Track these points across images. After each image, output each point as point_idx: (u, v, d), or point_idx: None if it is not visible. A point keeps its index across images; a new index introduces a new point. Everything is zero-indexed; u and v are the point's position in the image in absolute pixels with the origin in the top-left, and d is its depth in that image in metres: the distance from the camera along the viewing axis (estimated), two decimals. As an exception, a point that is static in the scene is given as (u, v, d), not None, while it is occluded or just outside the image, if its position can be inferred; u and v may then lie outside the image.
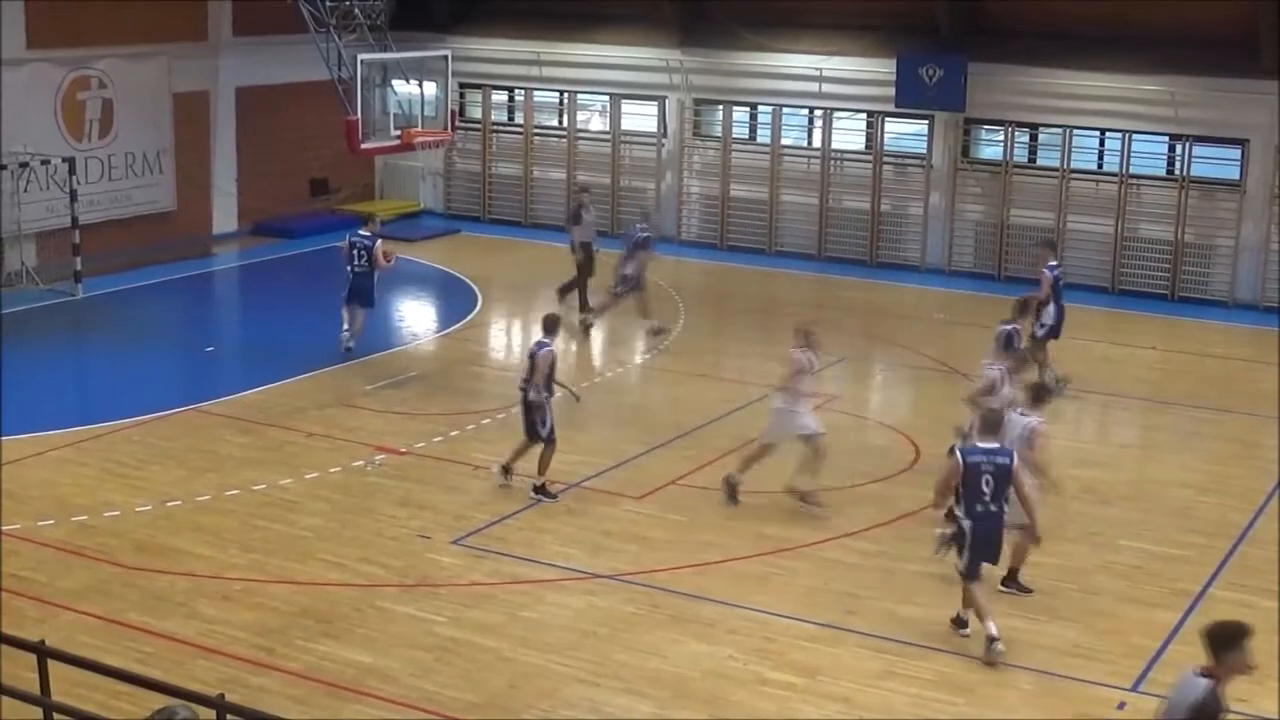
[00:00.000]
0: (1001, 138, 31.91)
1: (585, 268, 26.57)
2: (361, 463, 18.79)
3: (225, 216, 33.38)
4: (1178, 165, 30.29)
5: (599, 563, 15.91)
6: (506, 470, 17.97)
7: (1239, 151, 29.52)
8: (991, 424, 14.38)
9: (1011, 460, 13.97)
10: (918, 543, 16.25)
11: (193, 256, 31.47)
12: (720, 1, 33.61)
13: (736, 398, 21.93)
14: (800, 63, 32.49)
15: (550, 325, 18.11)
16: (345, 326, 23.47)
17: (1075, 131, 30.81)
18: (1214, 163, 30.25)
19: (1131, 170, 30.51)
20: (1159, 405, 22.90)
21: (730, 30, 33.17)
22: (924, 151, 32.29)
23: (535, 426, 17.68)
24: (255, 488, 17.97)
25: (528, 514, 17.30)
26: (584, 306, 26.23)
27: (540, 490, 17.70)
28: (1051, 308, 22.32)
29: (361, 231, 23.70)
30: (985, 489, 13.79)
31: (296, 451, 19.34)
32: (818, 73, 32.23)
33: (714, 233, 33.89)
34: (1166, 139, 30.41)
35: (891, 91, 31.39)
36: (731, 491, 17.57)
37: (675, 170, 34.20)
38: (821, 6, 32.43)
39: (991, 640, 13.76)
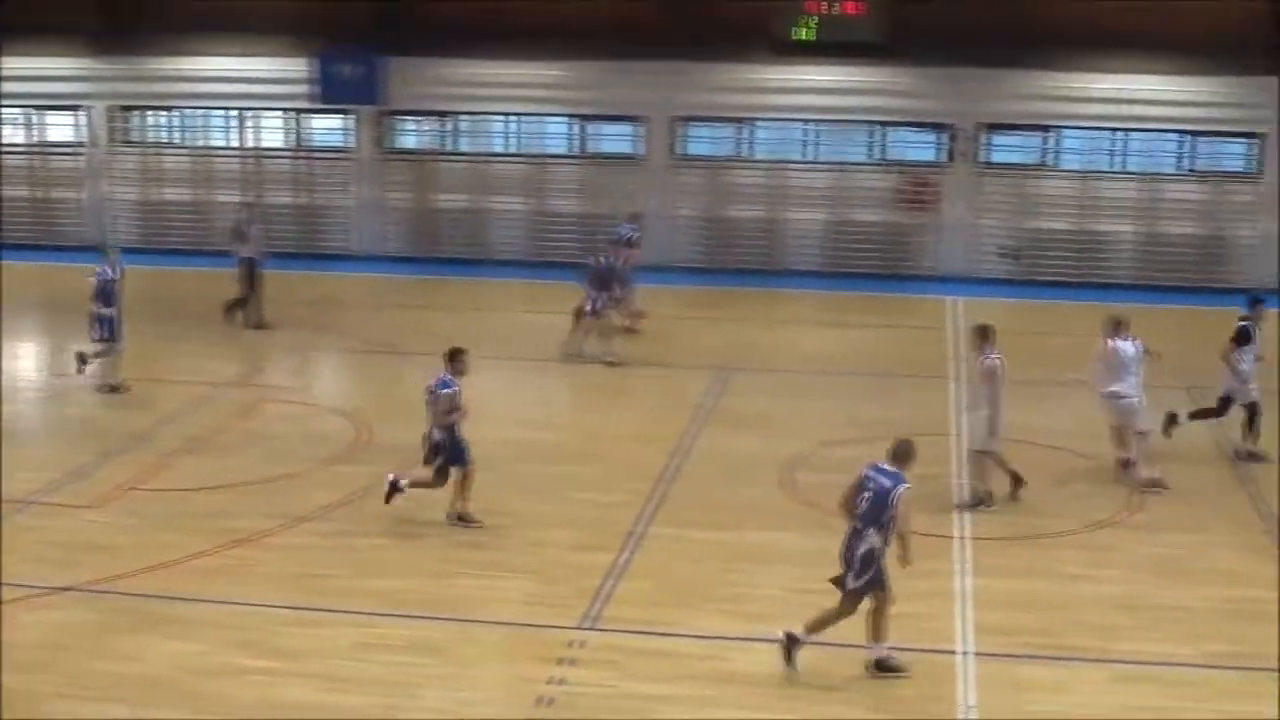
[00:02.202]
0: (423, 127, 33.20)
1: (249, 284, 26.50)
2: None
3: None
4: (579, 143, 33.03)
5: (66, 576, 15.75)
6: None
7: (635, 128, 32.18)
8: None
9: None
10: (376, 518, 17.11)
11: None
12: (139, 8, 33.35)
13: (185, 397, 22.14)
14: (221, 66, 32.66)
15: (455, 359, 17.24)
16: None
17: (490, 118, 32.54)
18: (615, 139, 33.02)
19: (547, 150, 32.75)
20: (593, 366, 24.48)
21: (149, 37, 32.93)
22: (347, 144, 33.18)
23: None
24: None
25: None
26: (256, 323, 26.22)
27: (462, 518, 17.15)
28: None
29: None
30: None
31: None
32: (239, 74, 32.53)
33: (144, 238, 33.69)
34: (567, 120, 32.68)
35: (312, 89, 32.09)
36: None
37: (95, 180, 33.83)
38: (239, 7, 32.68)
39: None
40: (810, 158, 33.16)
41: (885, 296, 30.91)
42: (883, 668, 13.48)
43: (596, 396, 23.21)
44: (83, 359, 22.20)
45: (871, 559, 13.37)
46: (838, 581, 13.59)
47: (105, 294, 22.27)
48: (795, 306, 30.47)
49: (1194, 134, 31.93)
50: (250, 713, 12.77)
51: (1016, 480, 18.30)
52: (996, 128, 32.29)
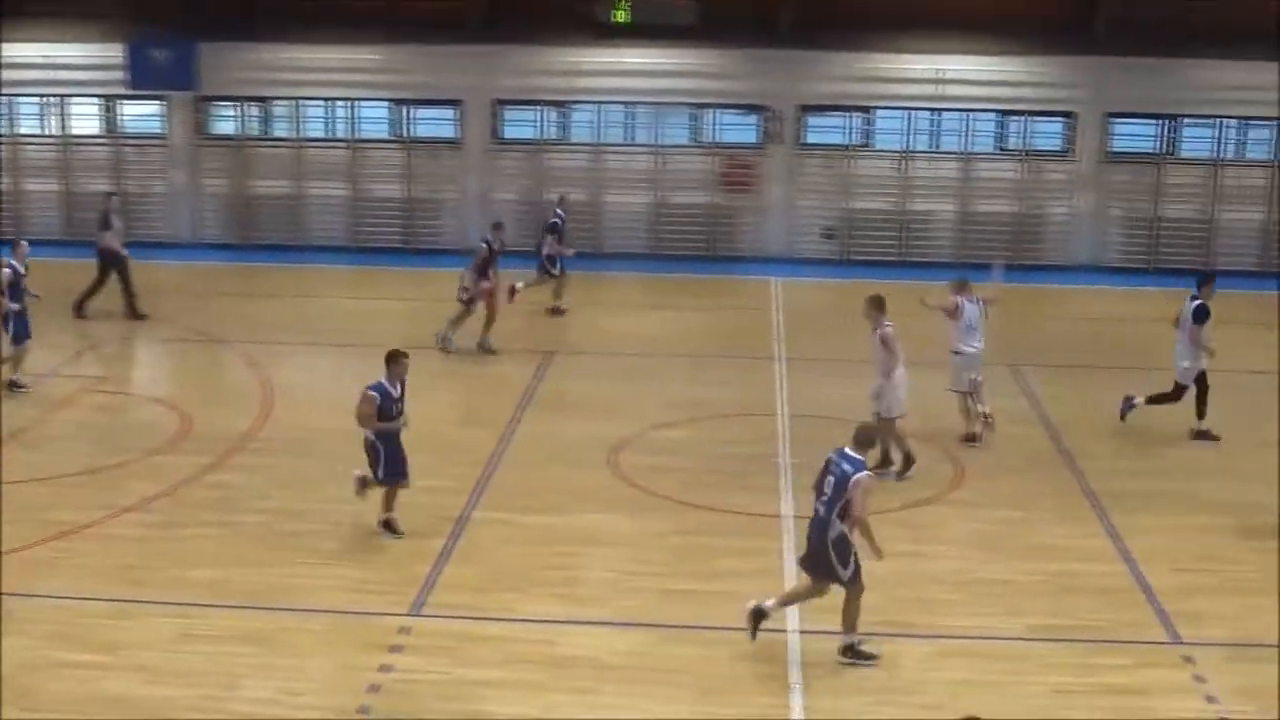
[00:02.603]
0: (236, 113, 32.73)
1: (109, 272, 25.87)
2: None
3: None
4: (402, 127, 32.75)
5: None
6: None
7: (454, 112, 32.06)
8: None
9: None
10: (198, 507, 16.85)
11: None
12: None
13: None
14: (32, 52, 31.88)
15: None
16: None
17: (309, 103, 32.17)
18: (433, 123, 32.81)
19: (360, 135, 32.38)
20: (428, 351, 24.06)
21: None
22: (162, 131, 32.65)
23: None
24: None
25: None
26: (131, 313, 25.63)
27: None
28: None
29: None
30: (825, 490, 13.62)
31: None
32: (50, 60, 31.79)
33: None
34: (386, 104, 32.44)
35: (125, 75, 31.53)
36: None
37: None
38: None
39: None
40: (630, 140, 33.20)
41: (708, 278, 31.08)
42: (854, 654, 13.44)
43: (422, 381, 22.86)
44: None
45: (845, 545, 13.33)
46: (804, 563, 13.65)
47: (14, 289, 21.59)
48: (619, 289, 30.53)
49: (1008, 113, 32.53)
50: (75, 707, 12.52)
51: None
52: (814, 109, 32.60)
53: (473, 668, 13.26)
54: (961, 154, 32.52)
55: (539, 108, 32.54)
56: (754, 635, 13.50)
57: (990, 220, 32.44)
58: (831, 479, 13.44)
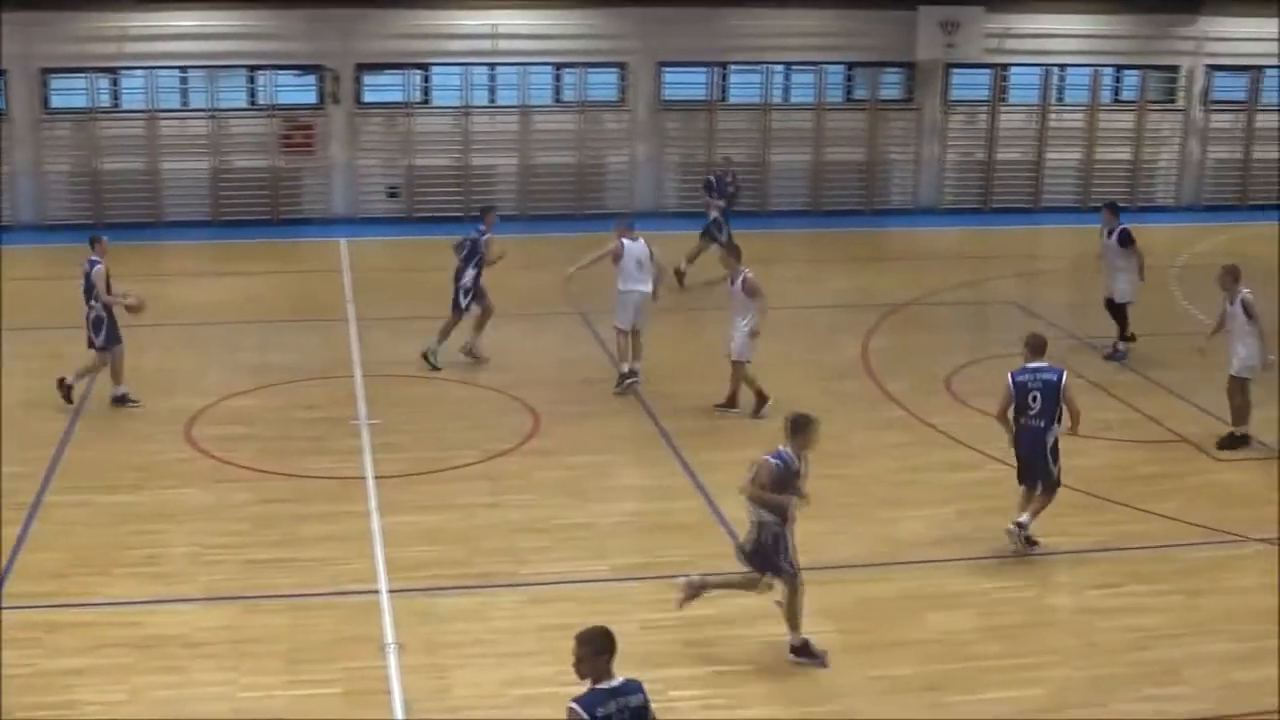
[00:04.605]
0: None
1: None
2: None
3: None
4: None
5: None
6: None
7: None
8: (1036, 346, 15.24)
9: (1060, 378, 15.00)
10: None
11: None
12: None
13: None
14: None
15: None
16: None
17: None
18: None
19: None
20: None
21: None
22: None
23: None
24: None
25: None
26: None
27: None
28: None
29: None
30: (1032, 404, 14.90)
31: None
32: None
33: None
34: None
35: None
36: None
37: None
38: None
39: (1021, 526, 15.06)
40: (185, 106, 32.33)
41: (274, 242, 30.66)
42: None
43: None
44: None
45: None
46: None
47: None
48: (181, 258, 29.85)
49: (562, 66, 33.07)
50: None
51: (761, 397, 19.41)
52: (371, 67, 32.44)
53: (59, 657, 12.84)
54: (520, 107, 32.90)
55: (89, 75, 31.30)
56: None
57: (552, 171, 33.01)
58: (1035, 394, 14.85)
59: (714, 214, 26.82)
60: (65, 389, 19.50)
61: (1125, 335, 22.34)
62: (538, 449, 18.37)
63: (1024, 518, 15.13)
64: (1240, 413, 18.51)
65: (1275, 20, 34.03)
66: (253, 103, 32.40)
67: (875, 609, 14.02)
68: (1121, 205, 24.09)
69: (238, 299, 25.84)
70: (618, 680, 8.83)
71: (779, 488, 12.75)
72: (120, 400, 19.68)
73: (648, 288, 20.50)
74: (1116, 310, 22.38)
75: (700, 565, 14.70)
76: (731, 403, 19.54)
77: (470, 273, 21.47)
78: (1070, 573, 15.06)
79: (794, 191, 33.97)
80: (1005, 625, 13.75)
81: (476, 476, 17.27)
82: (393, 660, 12.87)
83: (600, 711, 8.67)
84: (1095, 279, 23.02)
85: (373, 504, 16.27)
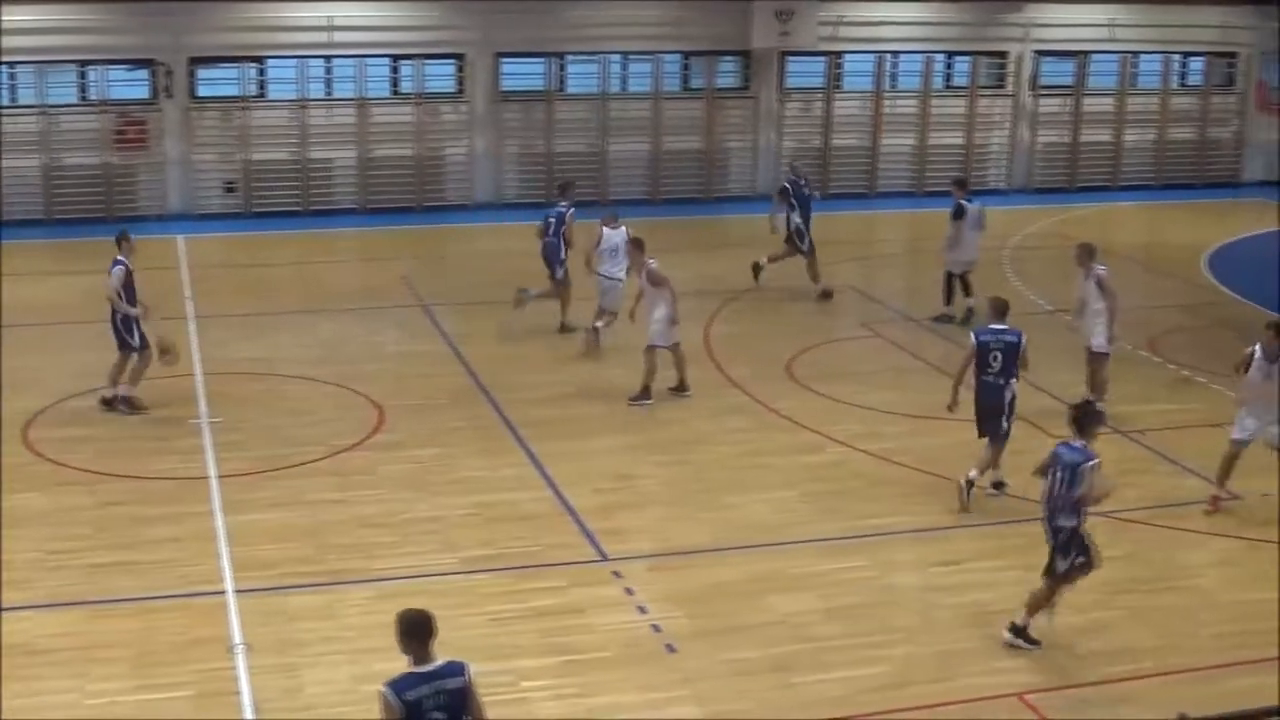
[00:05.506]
0: None
1: None
2: None
3: None
4: None
5: None
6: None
7: None
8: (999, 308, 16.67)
9: (1020, 339, 16.36)
10: None
11: None
12: None
13: None
14: None
15: None
16: None
17: None
18: None
19: None
20: None
21: None
22: None
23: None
24: None
25: None
26: None
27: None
28: None
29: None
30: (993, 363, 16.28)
31: None
32: None
33: None
34: None
35: None
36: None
37: None
38: None
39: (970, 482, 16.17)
40: (14, 102, 31.62)
41: (110, 240, 29.89)
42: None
43: None
44: None
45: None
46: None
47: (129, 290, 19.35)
48: (12, 258, 29.10)
49: (400, 58, 32.91)
50: None
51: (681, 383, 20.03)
52: (205, 61, 32.01)
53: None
54: (357, 100, 32.68)
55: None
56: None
57: (390, 164, 32.84)
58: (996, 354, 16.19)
59: (796, 221, 25.80)
60: (115, 402, 19.35)
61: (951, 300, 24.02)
62: (383, 443, 18.33)
63: (973, 473, 16.20)
64: (1101, 387, 19.10)
65: (1101, 6, 34.96)
66: (84, 98, 31.82)
67: (722, 593, 14.22)
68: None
69: (72, 299, 25.30)
70: (436, 663, 8.88)
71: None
72: (110, 403, 19.42)
73: (621, 274, 21.78)
74: (956, 281, 24.01)
75: (548, 555, 14.86)
76: (681, 386, 20.01)
77: (559, 245, 22.96)
78: (912, 551, 15.41)
79: (632, 180, 34.14)
80: (849, 605, 14.03)
81: (322, 472, 17.21)
82: (241, 661, 12.81)
83: (410, 695, 8.72)
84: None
85: (217, 503, 16.15)
